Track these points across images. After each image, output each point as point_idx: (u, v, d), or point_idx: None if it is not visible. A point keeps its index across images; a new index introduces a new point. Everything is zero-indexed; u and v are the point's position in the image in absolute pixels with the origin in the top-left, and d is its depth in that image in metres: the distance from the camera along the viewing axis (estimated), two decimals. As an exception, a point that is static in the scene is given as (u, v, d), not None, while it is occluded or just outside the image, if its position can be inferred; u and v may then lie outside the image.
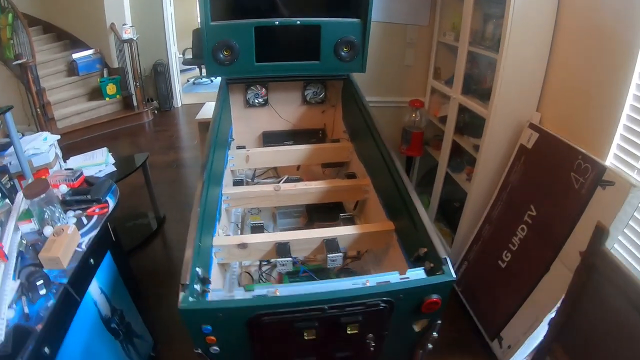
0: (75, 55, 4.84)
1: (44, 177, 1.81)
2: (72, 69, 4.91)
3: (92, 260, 1.43)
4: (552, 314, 1.60)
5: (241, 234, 1.86)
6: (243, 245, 1.43)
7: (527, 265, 1.82)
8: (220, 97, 1.99)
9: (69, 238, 1.28)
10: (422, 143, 2.64)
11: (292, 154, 2.10)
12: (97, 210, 1.55)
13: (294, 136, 2.38)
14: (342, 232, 1.51)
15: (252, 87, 2.29)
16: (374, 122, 1.79)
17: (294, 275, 1.56)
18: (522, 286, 1.79)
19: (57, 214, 1.36)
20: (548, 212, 1.74)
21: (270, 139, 2.37)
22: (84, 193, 1.62)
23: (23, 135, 2.25)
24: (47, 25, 5.25)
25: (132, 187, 2.87)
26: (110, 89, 4.92)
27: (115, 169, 2.55)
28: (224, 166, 1.89)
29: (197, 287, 1.09)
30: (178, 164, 4.09)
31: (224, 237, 1.50)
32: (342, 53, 2.10)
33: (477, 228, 2.18)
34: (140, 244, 2.87)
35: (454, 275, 1.10)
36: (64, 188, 1.60)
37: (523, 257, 1.86)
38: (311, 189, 1.77)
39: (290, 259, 1.42)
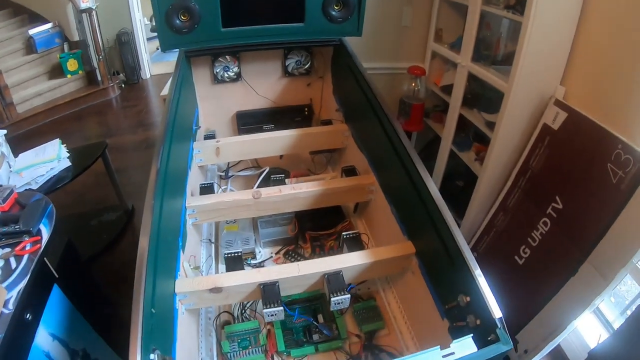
0: (31, 31, 4.12)
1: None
2: (29, 46, 4.19)
3: (29, 316, 1.11)
4: (578, 322, 1.37)
5: (216, 260, 1.38)
6: (217, 290, 0.97)
7: (550, 265, 1.54)
8: (178, 75, 1.49)
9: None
10: (422, 116, 2.24)
11: (274, 142, 1.64)
12: (28, 247, 1.19)
13: (275, 116, 1.91)
14: (348, 262, 1.12)
15: (220, 59, 1.78)
16: (378, 99, 1.37)
17: (287, 320, 1.11)
18: (544, 287, 1.52)
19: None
20: (577, 207, 1.45)
21: (245, 120, 1.88)
22: (12, 221, 1.25)
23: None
24: (2, 1, 4.45)
25: (96, 176, 2.35)
26: (72, 64, 4.24)
27: (69, 163, 2.12)
28: (188, 164, 1.39)
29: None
30: (148, 143, 3.50)
31: (191, 279, 1.06)
32: (333, 13, 1.61)
33: (488, 216, 1.87)
34: (108, 244, 2.40)
35: (511, 343, 0.78)
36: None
37: (545, 254, 1.57)
38: (300, 194, 1.32)
39: (280, 308, 1.02)
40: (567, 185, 1.49)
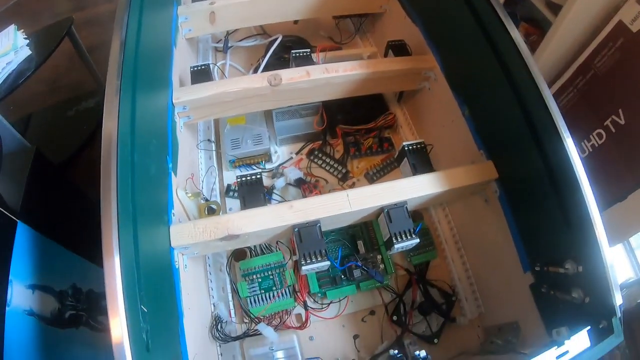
0: None
1: None
2: None
3: None
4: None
5: (220, 168, 0.96)
6: (232, 237, 0.58)
7: (597, 182, 1.21)
8: None
9: None
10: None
11: (288, 2, 1.10)
12: None
13: None
14: (414, 189, 0.72)
15: None
16: None
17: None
18: None
19: None
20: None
21: None
22: None
23: None
24: None
25: (70, 58, 1.77)
26: None
27: (30, 52, 1.64)
28: (172, 37, 0.88)
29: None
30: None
31: (192, 225, 0.67)
32: None
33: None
34: (89, 136, 1.93)
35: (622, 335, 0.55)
36: None
37: (592, 169, 1.32)
38: (335, 79, 0.89)
39: (327, 263, 0.67)
40: (636, 100, 1.15)
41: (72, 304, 1.05)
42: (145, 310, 0.48)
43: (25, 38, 1.63)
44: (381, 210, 0.71)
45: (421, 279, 0.89)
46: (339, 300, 0.85)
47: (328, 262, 0.66)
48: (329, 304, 0.85)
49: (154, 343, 0.48)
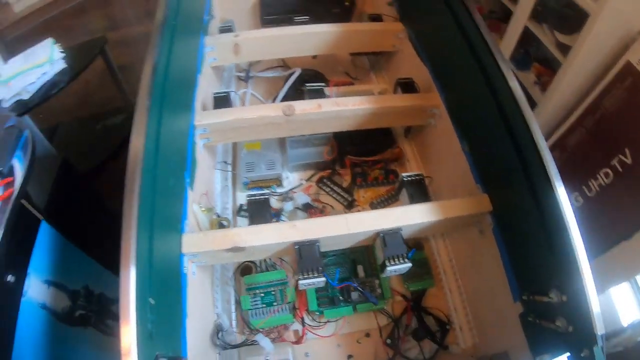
0: None
1: None
2: None
3: (10, 278, 0.85)
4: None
5: (234, 186, 1.04)
6: (238, 249, 0.65)
7: (604, 221, 1.35)
8: None
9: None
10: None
11: (308, 38, 1.20)
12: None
13: (307, 5, 1.42)
14: (409, 217, 0.78)
15: None
16: None
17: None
18: (592, 245, 1.29)
19: None
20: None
21: (270, 9, 1.42)
22: None
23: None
24: None
25: (101, 75, 1.91)
26: (70, -50, 3.47)
27: (64, 65, 1.74)
28: (197, 65, 0.97)
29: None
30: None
31: (202, 235, 0.75)
32: None
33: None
34: (115, 151, 2.05)
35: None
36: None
37: (600, 208, 1.38)
38: (345, 112, 0.97)
39: (322, 279, 0.73)
40: None
41: (83, 304, 1.11)
42: (153, 302, 0.54)
43: (61, 52, 1.74)
44: (377, 234, 0.76)
45: (417, 306, 0.92)
46: (336, 320, 0.89)
47: (324, 279, 0.72)
48: (326, 323, 0.89)
49: (157, 333, 0.54)
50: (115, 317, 1.29)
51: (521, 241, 0.74)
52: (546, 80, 1.59)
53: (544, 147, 0.69)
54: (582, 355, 0.59)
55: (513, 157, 0.74)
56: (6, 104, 1.55)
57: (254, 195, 0.83)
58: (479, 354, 0.87)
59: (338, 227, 0.74)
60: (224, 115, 0.92)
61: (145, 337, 0.51)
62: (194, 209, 0.80)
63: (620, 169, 1.27)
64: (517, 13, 1.60)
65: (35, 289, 0.93)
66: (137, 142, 0.64)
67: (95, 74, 2.28)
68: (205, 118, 0.91)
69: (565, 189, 0.66)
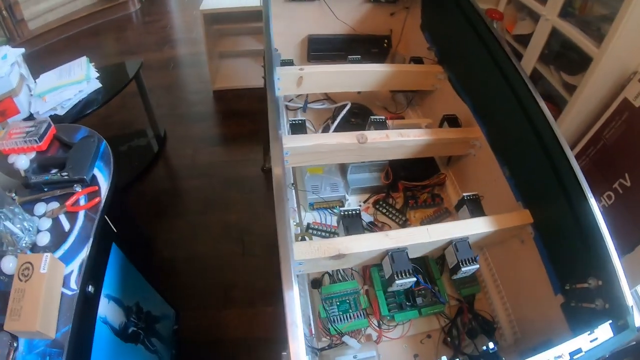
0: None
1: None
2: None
3: (90, 288, 0.86)
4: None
5: (298, 208, 1.19)
6: (340, 257, 0.78)
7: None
8: None
9: (46, 284, 0.59)
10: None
11: (358, 75, 1.38)
12: (82, 202, 0.92)
13: (350, 44, 1.62)
14: (473, 228, 0.95)
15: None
16: (494, 34, 1.11)
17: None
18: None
19: (17, 221, 0.62)
20: (646, 188, 1.39)
21: (317, 46, 1.61)
22: (56, 166, 0.95)
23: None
24: None
25: (122, 97, 2.03)
26: (85, -25, 3.67)
27: (100, 84, 1.81)
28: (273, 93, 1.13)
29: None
30: (175, 62, 3.09)
31: (308, 244, 0.87)
32: None
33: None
34: (140, 173, 2.13)
35: (636, 329, 0.75)
36: (24, 161, 0.82)
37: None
38: (407, 142, 1.14)
39: (413, 279, 0.87)
40: (639, 164, 1.42)
41: (134, 321, 1.15)
42: None
43: (96, 71, 1.82)
44: (449, 242, 0.92)
45: (471, 308, 1.07)
46: (403, 323, 1.03)
47: (414, 279, 0.86)
48: (395, 326, 1.02)
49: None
50: (159, 336, 1.34)
51: (560, 244, 0.91)
52: (553, 116, 1.81)
53: (576, 166, 0.87)
54: (619, 324, 0.75)
55: (550, 177, 0.92)
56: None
57: (347, 210, 0.96)
58: (522, 347, 1.01)
59: (422, 236, 0.89)
60: (305, 140, 1.07)
61: None
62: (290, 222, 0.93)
63: (620, 191, 1.47)
64: (527, 55, 1.82)
65: (101, 304, 0.97)
66: (278, 171, 0.79)
67: (117, 96, 2.43)
68: (290, 142, 1.05)
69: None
